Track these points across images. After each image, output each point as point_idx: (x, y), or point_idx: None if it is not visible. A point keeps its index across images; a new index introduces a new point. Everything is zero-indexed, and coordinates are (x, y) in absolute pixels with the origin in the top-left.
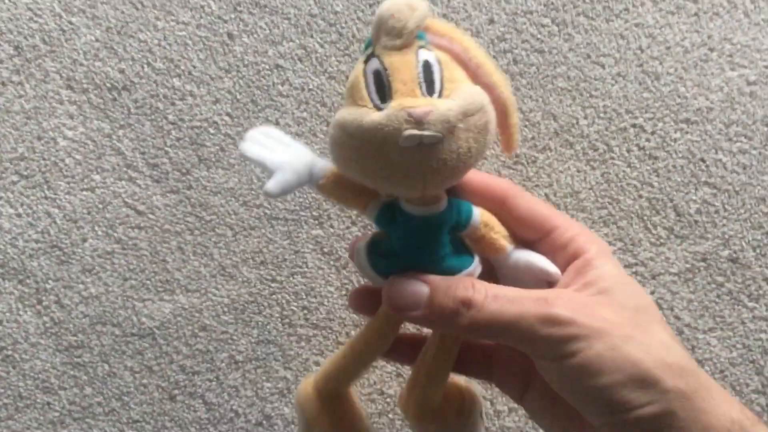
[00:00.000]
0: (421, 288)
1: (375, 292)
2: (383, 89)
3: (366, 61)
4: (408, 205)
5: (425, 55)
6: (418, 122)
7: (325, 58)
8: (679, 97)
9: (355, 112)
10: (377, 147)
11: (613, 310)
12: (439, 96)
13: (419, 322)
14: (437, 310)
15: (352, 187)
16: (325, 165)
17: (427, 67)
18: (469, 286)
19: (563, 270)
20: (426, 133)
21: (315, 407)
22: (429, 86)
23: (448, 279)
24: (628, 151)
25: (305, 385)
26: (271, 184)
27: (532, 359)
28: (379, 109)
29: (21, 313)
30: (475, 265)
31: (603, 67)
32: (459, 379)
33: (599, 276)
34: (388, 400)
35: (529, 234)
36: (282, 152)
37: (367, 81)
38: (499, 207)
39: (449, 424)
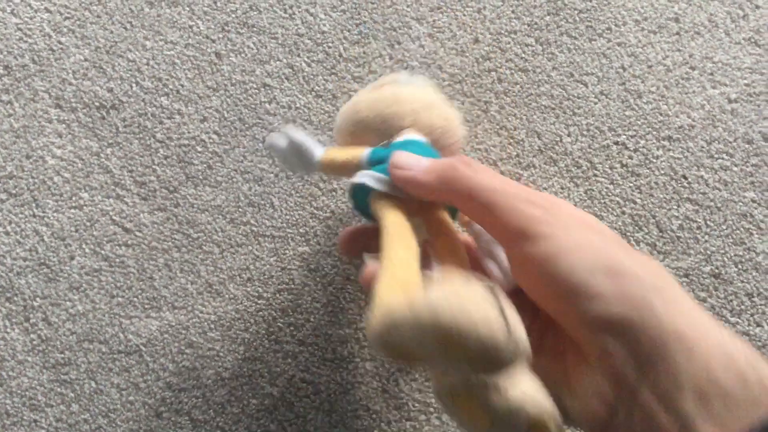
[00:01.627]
0: (423, 159)
1: (362, 233)
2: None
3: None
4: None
5: None
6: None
7: (312, 77)
8: (661, 114)
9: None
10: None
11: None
12: None
13: (418, 181)
14: (438, 166)
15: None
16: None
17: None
18: (466, 159)
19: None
20: None
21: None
22: None
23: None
24: (611, 168)
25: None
26: (318, 154)
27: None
28: None
29: (8, 330)
30: None
31: (586, 85)
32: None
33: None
34: (374, 416)
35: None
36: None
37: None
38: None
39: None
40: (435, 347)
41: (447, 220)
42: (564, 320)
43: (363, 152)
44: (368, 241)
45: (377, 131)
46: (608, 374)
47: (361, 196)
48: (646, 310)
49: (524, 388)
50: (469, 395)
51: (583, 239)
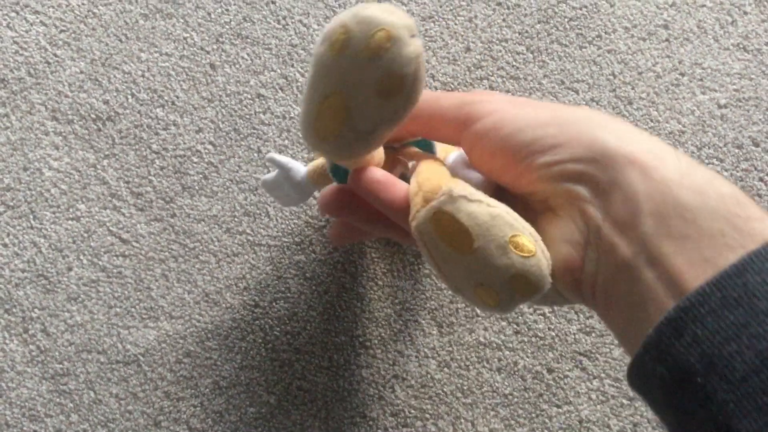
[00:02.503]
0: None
1: (344, 192)
2: None
3: None
4: None
5: None
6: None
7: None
8: (651, 121)
9: None
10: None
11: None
12: None
13: None
14: None
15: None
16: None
17: None
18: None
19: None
20: None
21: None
22: None
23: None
24: None
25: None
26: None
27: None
28: None
29: (7, 341)
30: None
31: (577, 92)
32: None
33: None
34: (370, 423)
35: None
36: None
37: None
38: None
39: None
40: None
41: (421, 153)
42: (527, 184)
43: None
44: (349, 199)
45: None
46: (576, 220)
47: (339, 174)
48: (599, 145)
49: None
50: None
51: (523, 105)
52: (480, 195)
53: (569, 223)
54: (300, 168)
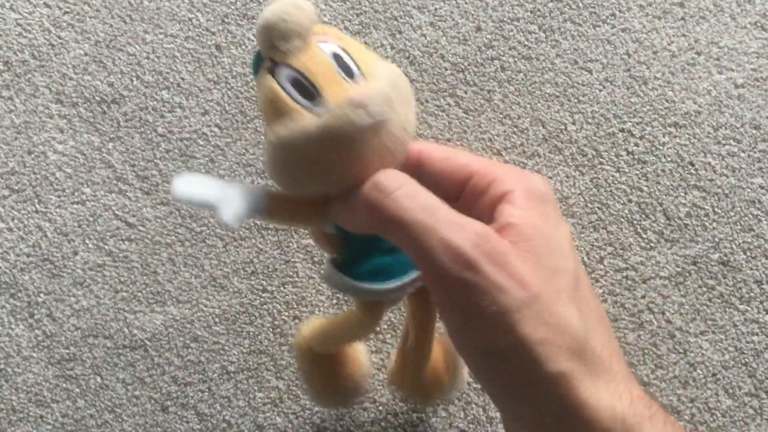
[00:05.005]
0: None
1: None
2: (307, 91)
3: (272, 73)
4: None
5: (328, 47)
6: (364, 106)
7: None
8: (667, 101)
9: (291, 124)
10: (335, 146)
11: (527, 265)
12: (364, 78)
13: (354, 216)
14: (362, 195)
15: (302, 205)
16: (261, 193)
17: (336, 56)
18: (389, 174)
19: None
20: (378, 111)
21: (306, 362)
22: (348, 73)
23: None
24: (617, 155)
25: (301, 338)
26: (227, 215)
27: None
28: (312, 111)
29: (13, 326)
30: None
31: (590, 72)
32: (435, 338)
33: (522, 221)
34: (380, 408)
35: (448, 189)
36: (218, 188)
37: (286, 90)
38: (417, 170)
39: (444, 383)
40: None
41: None
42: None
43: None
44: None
45: None
46: None
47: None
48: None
49: None
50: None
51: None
52: None
53: None
54: (233, 191)
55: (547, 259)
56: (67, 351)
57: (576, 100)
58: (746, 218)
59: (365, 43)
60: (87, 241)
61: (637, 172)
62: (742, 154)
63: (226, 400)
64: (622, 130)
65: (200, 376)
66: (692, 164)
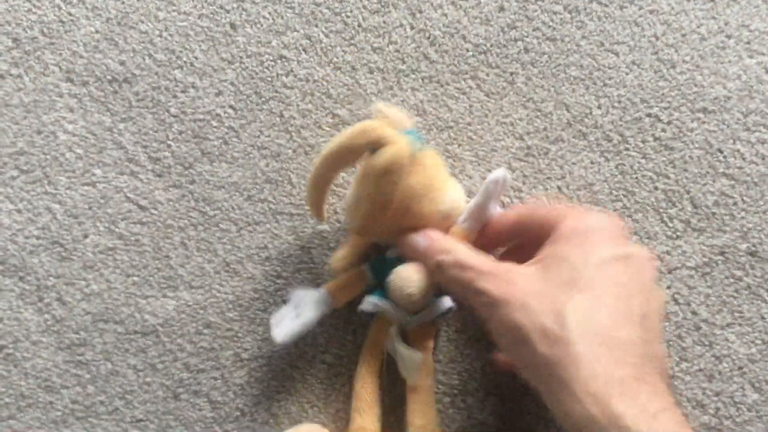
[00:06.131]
0: (421, 240)
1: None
2: None
3: None
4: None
5: None
6: None
7: (330, 48)
8: (695, 85)
9: None
10: None
11: (530, 280)
12: None
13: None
14: (429, 262)
15: (350, 280)
16: (322, 296)
17: None
18: (444, 251)
19: None
20: None
21: None
22: None
23: (434, 240)
24: (644, 141)
25: None
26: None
27: None
28: None
29: (22, 310)
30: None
31: (617, 55)
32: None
33: (551, 250)
34: (396, 398)
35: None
36: (293, 311)
37: None
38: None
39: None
40: None
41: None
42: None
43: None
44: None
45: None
46: None
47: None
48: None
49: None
50: None
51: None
52: None
53: None
54: (310, 290)
55: (557, 276)
56: (77, 336)
57: (602, 84)
58: None
59: (384, 23)
60: (98, 223)
61: (664, 158)
62: None
63: (239, 387)
64: (648, 115)
65: (213, 363)
66: (721, 151)
